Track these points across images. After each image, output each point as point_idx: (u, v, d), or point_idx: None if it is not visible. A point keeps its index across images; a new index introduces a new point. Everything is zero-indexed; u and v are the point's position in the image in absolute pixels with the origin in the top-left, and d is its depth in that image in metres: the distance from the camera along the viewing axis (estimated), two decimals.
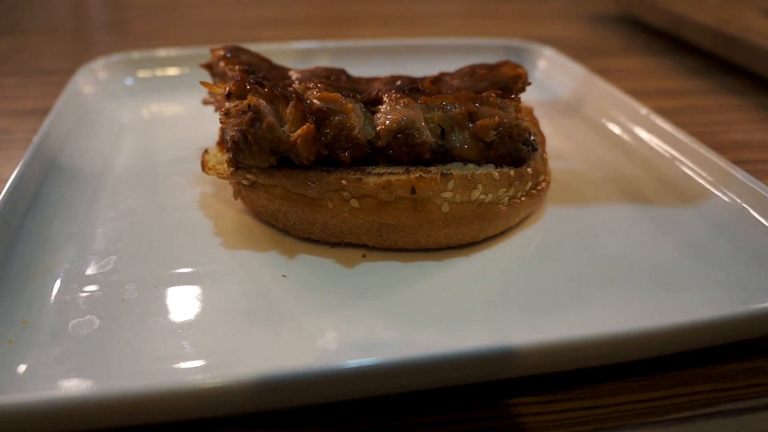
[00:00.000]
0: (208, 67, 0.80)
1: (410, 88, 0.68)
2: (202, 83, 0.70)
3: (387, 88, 0.68)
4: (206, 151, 0.71)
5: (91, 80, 0.97)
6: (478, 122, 0.63)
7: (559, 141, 0.87)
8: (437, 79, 0.73)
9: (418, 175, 0.60)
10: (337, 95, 0.61)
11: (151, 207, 0.71)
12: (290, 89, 0.63)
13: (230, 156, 0.62)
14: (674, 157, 0.79)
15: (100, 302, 0.56)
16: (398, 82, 0.70)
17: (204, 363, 0.50)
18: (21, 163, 0.69)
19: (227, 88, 0.65)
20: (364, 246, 0.64)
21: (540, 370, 0.49)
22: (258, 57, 0.79)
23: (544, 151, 0.73)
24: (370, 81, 0.74)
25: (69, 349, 0.50)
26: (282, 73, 0.75)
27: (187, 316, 0.55)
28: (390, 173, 0.61)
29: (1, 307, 0.54)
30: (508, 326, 0.54)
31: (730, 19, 1.26)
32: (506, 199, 0.65)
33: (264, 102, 0.61)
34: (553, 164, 0.76)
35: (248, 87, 0.63)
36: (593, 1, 1.75)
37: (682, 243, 0.65)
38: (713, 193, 0.72)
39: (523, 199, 0.66)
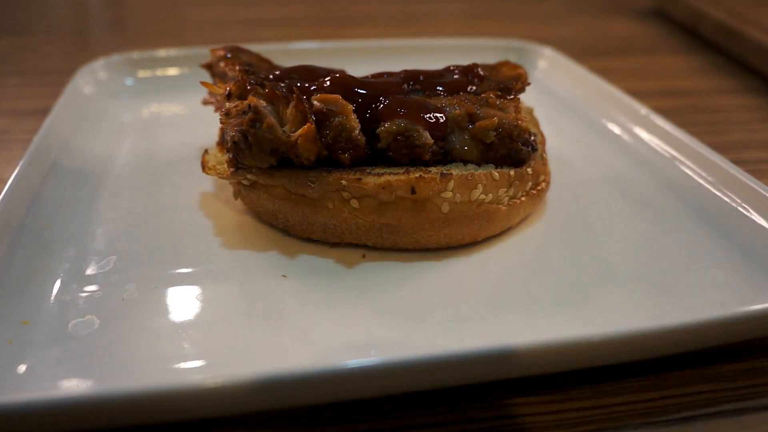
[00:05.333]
0: (208, 67, 0.80)
1: (412, 88, 0.68)
2: (203, 83, 0.70)
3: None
4: (206, 151, 0.71)
5: (91, 80, 0.97)
6: (477, 123, 0.63)
7: (559, 141, 0.87)
8: (440, 74, 0.73)
9: (418, 175, 0.60)
10: (338, 96, 0.61)
11: (151, 207, 0.71)
12: (290, 86, 0.63)
13: (230, 156, 0.62)
14: (674, 157, 0.79)
15: (100, 302, 0.56)
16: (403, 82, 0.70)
17: (204, 363, 0.50)
18: (21, 163, 0.69)
19: (227, 89, 0.65)
20: (364, 246, 0.64)
21: (540, 370, 0.49)
22: (258, 57, 0.79)
23: (543, 151, 0.73)
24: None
25: (69, 349, 0.50)
26: (281, 72, 0.75)
27: (187, 316, 0.55)
28: (390, 173, 0.61)
29: (1, 307, 0.54)
30: (508, 326, 0.54)
31: (736, 14, 1.27)
32: (506, 199, 0.65)
33: (264, 102, 0.61)
34: (553, 164, 0.76)
35: (248, 87, 0.63)
36: (593, 2, 1.75)
37: (681, 243, 0.65)
38: (713, 193, 0.72)
39: (523, 199, 0.66)
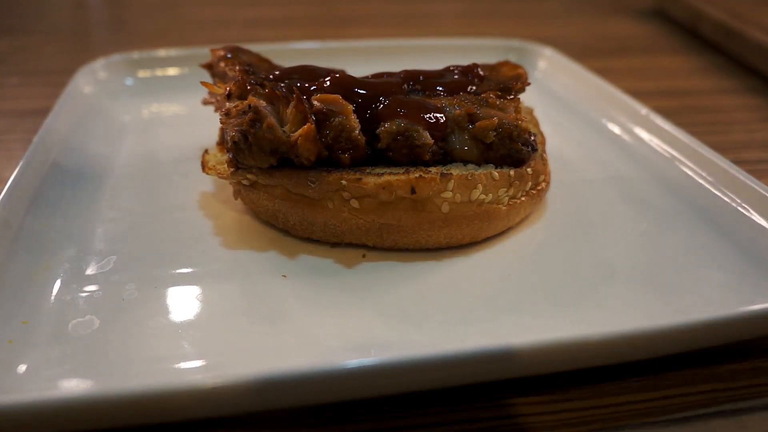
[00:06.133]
0: (209, 67, 0.80)
1: (412, 88, 0.68)
2: (203, 83, 0.70)
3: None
4: (206, 151, 0.71)
5: (91, 80, 0.97)
6: (477, 123, 0.63)
7: (559, 141, 0.87)
8: (441, 74, 0.73)
9: (418, 175, 0.60)
10: (338, 96, 0.61)
11: (151, 207, 0.71)
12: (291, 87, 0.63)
13: (230, 156, 0.62)
14: (674, 157, 0.79)
15: (100, 302, 0.56)
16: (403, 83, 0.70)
17: (204, 363, 0.50)
18: (21, 163, 0.69)
19: (228, 89, 0.65)
20: (364, 246, 0.64)
21: (540, 370, 0.49)
22: (258, 57, 0.79)
23: (543, 151, 0.73)
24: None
25: (69, 349, 0.50)
26: (281, 72, 0.75)
27: (187, 316, 0.55)
28: (390, 173, 0.61)
29: (1, 307, 0.54)
30: (508, 326, 0.54)
31: (736, 14, 1.27)
32: (506, 199, 0.65)
33: (264, 102, 0.61)
34: (553, 164, 0.76)
35: (248, 87, 0.63)
36: (593, 2, 1.76)
37: (681, 243, 0.65)
38: (713, 193, 0.72)
39: (523, 199, 0.66)
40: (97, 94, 0.96)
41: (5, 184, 0.65)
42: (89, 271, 0.60)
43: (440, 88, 0.68)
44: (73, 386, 0.47)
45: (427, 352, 0.45)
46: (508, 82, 0.71)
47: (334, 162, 0.62)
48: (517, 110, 0.66)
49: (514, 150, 0.64)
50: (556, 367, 0.49)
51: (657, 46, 1.40)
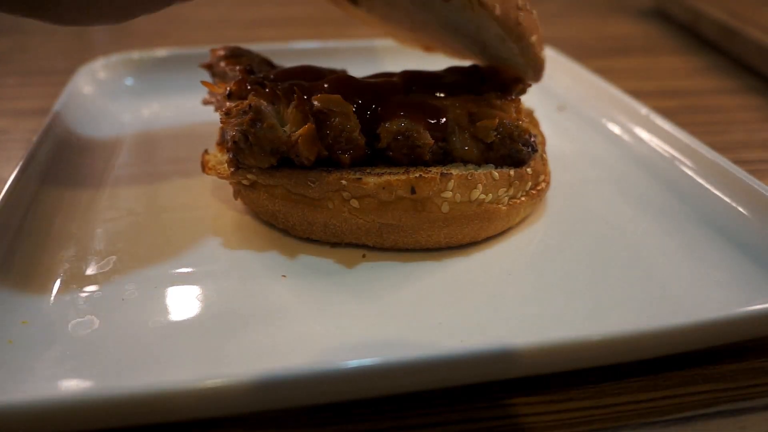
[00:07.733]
0: (209, 67, 0.80)
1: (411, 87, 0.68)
2: (203, 83, 0.70)
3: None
4: (206, 151, 0.71)
5: (91, 80, 0.97)
6: (478, 123, 0.63)
7: (559, 141, 0.87)
8: (441, 75, 0.73)
9: (418, 175, 0.60)
10: (338, 97, 0.61)
11: (151, 207, 0.71)
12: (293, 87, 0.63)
13: (230, 156, 0.62)
14: (674, 157, 0.79)
15: (100, 302, 0.56)
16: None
17: (203, 363, 0.50)
18: (21, 163, 0.69)
19: (228, 88, 0.65)
20: (364, 246, 0.64)
21: (540, 370, 0.49)
22: (258, 57, 0.79)
23: (543, 151, 0.73)
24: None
25: (69, 349, 0.50)
26: (282, 72, 0.75)
27: (187, 316, 0.55)
28: (390, 173, 0.61)
29: (1, 307, 0.54)
30: (508, 326, 0.54)
31: (736, 14, 1.27)
32: (506, 199, 0.65)
33: (265, 102, 0.61)
34: (553, 164, 0.76)
35: (249, 87, 0.63)
36: (593, 1, 1.76)
37: (682, 243, 0.65)
38: (713, 193, 0.71)
39: (523, 199, 0.66)
40: (97, 94, 0.96)
41: (5, 184, 0.65)
42: (89, 271, 0.60)
43: (441, 89, 0.68)
44: (73, 386, 0.47)
45: (427, 352, 0.45)
46: (509, 83, 0.71)
47: (334, 162, 0.62)
48: (518, 111, 0.66)
49: (515, 150, 0.64)
50: (556, 367, 0.49)
51: (657, 46, 1.40)
